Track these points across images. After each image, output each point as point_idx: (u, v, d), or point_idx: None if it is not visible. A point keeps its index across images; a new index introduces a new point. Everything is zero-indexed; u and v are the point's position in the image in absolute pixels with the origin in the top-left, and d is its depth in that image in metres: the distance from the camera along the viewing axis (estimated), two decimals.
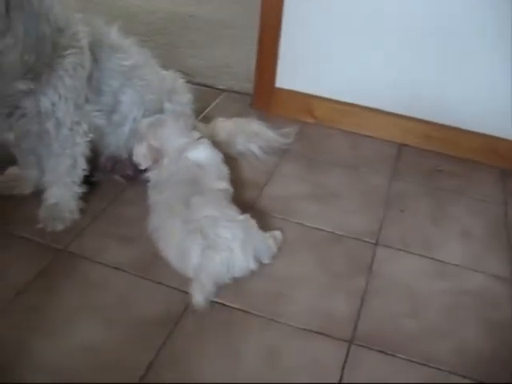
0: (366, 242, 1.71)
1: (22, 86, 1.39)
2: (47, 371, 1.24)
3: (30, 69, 1.35)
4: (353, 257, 1.65)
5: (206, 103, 2.28)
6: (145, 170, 1.70)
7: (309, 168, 2.01)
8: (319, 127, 2.27)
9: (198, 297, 1.39)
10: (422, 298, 1.53)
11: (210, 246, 1.44)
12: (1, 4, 1.24)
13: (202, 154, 1.69)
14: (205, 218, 1.48)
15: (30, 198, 1.74)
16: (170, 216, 1.53)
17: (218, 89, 2.50)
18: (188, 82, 2.04)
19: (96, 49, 1.57)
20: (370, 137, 2.24)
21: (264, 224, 1.70)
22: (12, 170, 1.77)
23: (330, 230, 1.74)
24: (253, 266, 1.51)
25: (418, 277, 1.60)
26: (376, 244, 1.70)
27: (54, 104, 1.46)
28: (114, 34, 1.67)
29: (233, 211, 1.56)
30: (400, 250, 1.69)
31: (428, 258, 1.67)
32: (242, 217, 1.54)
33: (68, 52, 1.45)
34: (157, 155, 1.67)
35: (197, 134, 1.73)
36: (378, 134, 2.24)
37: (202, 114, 2.13)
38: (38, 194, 1.73)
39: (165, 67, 1.93)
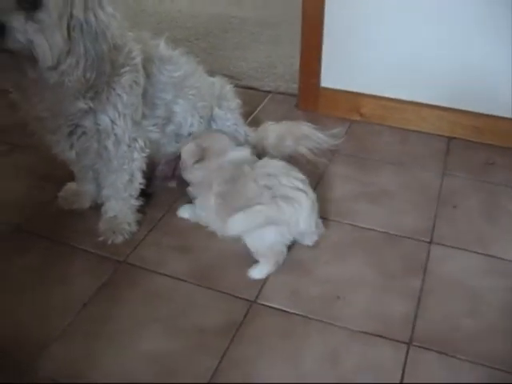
0: (419, 240, 1.71)
1: (82, 104, 1.45)
2: (114, 379, 1.30)
3: (90, 87, 1.40)
4: (407, 256, 1.65)
5: (253, 106, 2.30)
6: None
7: (359, 167, 2.02)
8: (366, 124, 2.27)
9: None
10: (479, 297, 1.52)
11: (283, 195, 1.53)
12: (63, 28, 1.29)
13: (242, 152, 1.74)
14: (277, 167, 1.62)
15: (89, 211, 1.81)
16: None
17: (263, 91, 2.52)
18: (234, 85, 2.06)
19: (147, 64, 1.60)
20: (418, 132, 2.22)
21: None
22: (71, 186, 1.84)
23: (383, 230, 1.74)
24: (314, 230, 1.58)
25: (475, 275, 1.59)
26: (430, 242, 1.70)
27: (113, 121, 1.51)
28: (162, 47, 1.70)
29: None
30: (455, 247, 1.68)
31: (484, 254, 1.66)
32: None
33: (124, 70, 1.49)
34: (202, 154, 1.70)
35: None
36: (426, 129, 2.22)
37: (250, 117, 2.15)
38: (95, 207, 1.80)
39: (210, 72, 1.95)
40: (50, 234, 1.72)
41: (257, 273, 1.55)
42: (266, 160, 1.70)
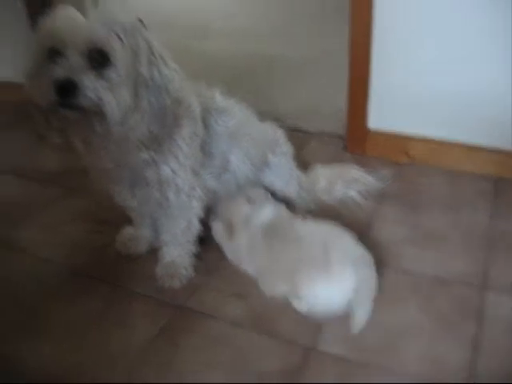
0: (472, 285, 1.70)
1: (145, 156, 1.51)
2: None
3: (153, 140, 1.46)
4: (460, 301, 1.64)
5: (300, 148, 2.33)
6: None
7: (408, 210, 2.03)
8: (414, 166, 2.28)
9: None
10: None
11: (361, 261, 1.57)
12: (130, 84, 1.35)
13: (266, 212, 1.76)
14: (337, 233, 1.65)
15: (145, 256, 1.86)
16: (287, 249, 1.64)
17: (309, 132, 2.56)
18: (280, 126, 2.11)
19: (205, 115, 1.66)
20: (466, 173, 2.22)
21: None
22: (128, 230, 1.89)
23: (434, 274, 1.74)
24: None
25: None
26: (483, 287, 1.69)
27: (174, 172, 1.56)
28: (218, 97, 1.75)
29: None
30: (509, 292, 1.68)
31: None
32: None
33: (184, 122, 1.55)
34: (231, 230, 1.75)
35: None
36: (474, 169, 2.22)
37: (297, 159, 2.18)
38: (152, 251, 1.85)
39: (256, 112, 2.00)
40: (108, 278, 1.78)
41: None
42: (311, 225, 1.71)
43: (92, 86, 1.31)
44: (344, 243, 1.60)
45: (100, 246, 1.93)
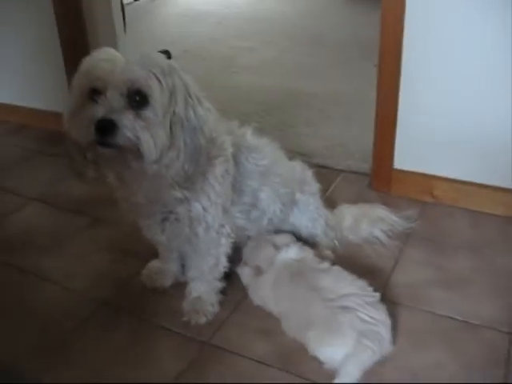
0: (499, 330, 1.69)
1: (178, 193, 1.53)
2: None
3: (187, 178, 1.48)
4: (488, 348, 1.63)
5: (326, 185, 2.34)
6: None
7: (433, 251, 2.03)
8: (440, 206, 2.29)
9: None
10: None
11: (368, 332, 1.51)
12: (167, 124, 1.39)
13: (291, 251, 1.78)
14: (349, 297, 1.58)
15: (171, 290, 1.88)
16: (307, 303, 1.62)
17: (335, 169, 2.58)
18: (306, 163, 2.13)
19: (236, 153, 1.68)
20: (492, 215, 2.22)
21: (393, 313, 1.74)
22: (154, 264, 1.91)
23: (461, 318, 1.73)
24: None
25: None
26: (511, 333, 1.69)
27: (205, 209, 1.58)
28: (249, 136, 1.77)
29: (363, 283, 1.65)
30: None
31: None
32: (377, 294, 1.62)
33: (217, 161, 1.57)
34: (257, 272, 1.78)
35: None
36: (500, 212, 2.21)
37: (323, 197, 2.20)
38: (177, 285, 1.87)
39: (284, 149, 2.01)
40: (134, 311, 1.79)
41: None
42: (331, 277, 1.68)
43: (130, 126, 1.34)
44: (360, 310, 1.55)
45: (126, 277, 1.95)
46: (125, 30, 3.44)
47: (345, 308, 1.55)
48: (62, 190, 2.52)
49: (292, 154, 2.56)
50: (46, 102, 3.10)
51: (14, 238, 2.21)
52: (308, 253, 1.80)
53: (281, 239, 1.82)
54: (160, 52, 1.52)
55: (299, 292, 1.66)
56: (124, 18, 3.39)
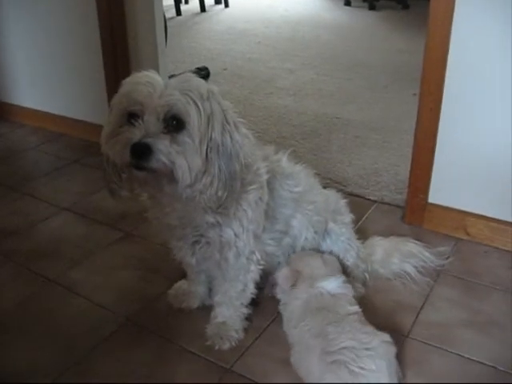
0: None
1: (210, 218, 1.53)
2: None
3: (220, 204, 1.47)
4: None
5: (358, 214, 2.31)
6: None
7: (465, 291, 1.98)
8: (473, 244, 2.24)
9: None
10: None
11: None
12: (203, 150, 1.38)
13: (333, 284, 1.72)
14: (343, 350, 1.48)
15: (196, 312, 1.87)
16: (307, 351, 1.56)
17: (368, 199, 2.55)
18: (339, 191, 2.11)
19: (271, 180, 1.67)
20: None
21: (420, 353, 1.71)
22: (181, 284, 1.91)
23: (491, 364, 1.68)
24: None
25: None
26: None
27: (236, 235, 1.57)
28: (284, 163, 1.76)
29: (369, 334, 1.53)
30: None
31: None
32: (380, 340, 1.51)
33: (252, 187, 1.56)
34: (296, 278, 1.73)
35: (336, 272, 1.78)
36: None
37: (355, 226, 2.17)
38: (203, 308, 1.86)
39: (318, 175, 1.99)
40: (158, 331, 1.79)
41: None
42: (337, 329, 1.56)
43: (166, 151, 1.34)
44: (352, 363, 1.45)
45: (152, 295, 1.95)
46: (166, 44, 3.48)
47: (335, 362, 1.46)
48: (95, 201, 2.54)
49: (326, 180, 2.57)
50: (83, 112, 3.15)
51: (43, 247, 2.23)
52: (347, 291, 1.73)
53: (330, 261, 1.80)
54: (199, 68, 1.53)
55: (308, 332, 1.59)
56: (166, 33, 3.42)
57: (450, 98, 2.15)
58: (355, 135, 3.20)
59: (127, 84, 1.43)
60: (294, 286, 1.72)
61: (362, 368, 1.44)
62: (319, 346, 1.52)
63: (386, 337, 1.53)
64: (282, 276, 1.76)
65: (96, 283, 2.02)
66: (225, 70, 4.39)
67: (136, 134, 1.34)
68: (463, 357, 1.71)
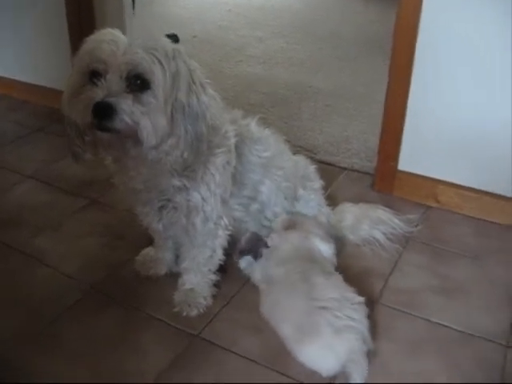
0: (496, 343, 1.65)
1: (176, 181, 1.49)
2: None
3: (186, 166, 1.44)
4: (483, 359, 1.59)
5: (328, 182, 2.29)
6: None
7: (434, 257, 1.99)
8: (443, 212, 2.24)
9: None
10: None
11: (345, 327, 1.48)
12: (167, 110, 1.34)
13: (326, 247, 1.77)
14: (331, 299, 1.54)
15: (163, 279, 1.84)
16: (292, 292, 1.59)
17: (338, 167, 2.53)
18: (309, 158, 2.09)
19: (239, 144, 1.64)
20: (496, 223, 2.18)
21: (389, 319, 1.72)
22: (149, 251, 1.87)
23: (458, 328, 1.69)
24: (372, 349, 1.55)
25: None
26: (507, 346, 1.64)
27: (204, 199, 1.54)
28: (253, 127, 1.73)
29: (352, 294, 1.60)
30: None
31: None
32: (360, 299, 1.59)
33: (219, 150, 1.53)
34: (291, 225, 1.76)
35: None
36: (504, 221, 2.17)
37: (325, 193, 2.16)
38: (170, 275, 1.83)
39: (288, 143, 1.97)
40: (125, 298, 1.75)
41: None
42: (326, 281, 1.63)
43: (129, 111, 1.30)
44: (337, 310, 1.52)
45: (118, 263, 1.91)
46: (134, 11, 3.39)
47: (322, 308, 1.52)
48: (60, 169, 2.47)
49: (296, 148, 2.54)
50: (49, 78, 3.06)
51: (7, 216, 2.17)
52: (333, 260, 1.79)
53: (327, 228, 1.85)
54: (168, 36, 1.48)
55: (297, 274, 1.62)
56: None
57: (420, 66, 2.13)
58: (326, 103, 3.17)
59: (90, 41, 1.37)
60: (287, 230, 1.75)
61: (346, 315, 1.50)
62: (306, 291, 1.56)
63: (362, 299, 1.59)
64: (281, 220, 1.79)
65: (61, 251, 1.97)
66: (194, 37, 4.30)
67: (98, 93, 1.29)
68: (431, 321, 1.72)
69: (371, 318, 1.62)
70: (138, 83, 1.32)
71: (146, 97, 1.32)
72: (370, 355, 1.53)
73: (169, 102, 1.34)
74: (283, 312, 1.57)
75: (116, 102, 1.28)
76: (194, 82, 1.39)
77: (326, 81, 3.52)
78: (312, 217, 1.87)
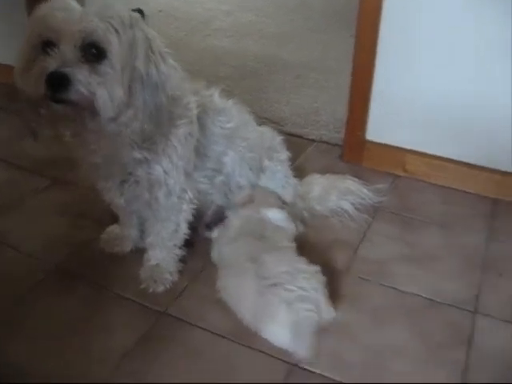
0: (464, 310, 1.66)
1: (137, 154, 1.45)
2: None
3: (146, 138, 1.40)
4: (451, 326, 1.60)
5: (296, 154, 2.27)
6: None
7: (402, 226, 1.99)
8: (411, 181, 2.24)
9: (303, 352, 1.43)
10: None
11: (297, 298, 1.46)
12: (125, 80, 1.29)
13: (277, 215, 1.75)
14: (282, 274, 1.52)
15: (129, 256, 1.81)
16: (241, 273, 1.57)
17: (306, 138, 2.51)
18: (278, 130, 2.06)
19: (202, 115, 1.60)
20: (463, 191, 2.18)
21: (358, 288, 1.71)
22: (113, 229, 1.83)
23: (426, 296, 1.70)
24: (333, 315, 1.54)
25: None
26: (475, 312, 1.65)
27: (166, 172, 1.50)
28: (216, 98, 1.70)
29: (305, 264, 1.59)
30: (501, 319, 1.63)
31: None
32: (315, 268, 1.58)
33: (181, 122, 1.49)
34: (247, 201, 1.74)
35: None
36: (472, 189, 2.18)
37: (293, 165, 2.13)
38: (136, 252, 1.80)
39: (253, 114, 1.93)
40: (90, 277, 1.72)
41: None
42: (276, 255, 1.61)
43: (85, 81, 1.25)
44: (287, 283, 1.50)
45: (82, 241, 1.86)
46: None
47: (274, 285, 1.49)
48: (22, 148, 2.39)
49: (263, 120, 2.51)
50: (9, 56, 2.96)
51: None
52: (288, 226, 1.76)
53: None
54: (132, 10, 1.44)
55: (243, 255, 1.60)
56: None
57: (386, 35, 2.12)
58: (295, 75, 3.14)
59: (41, 9, 1.31)
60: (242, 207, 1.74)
61: (298, 286, 1.48)
62: (256, 271, 1.53)
63: (317, 268, 1.58)
64: (241, 196, 1.79)
65: (23, 231, 1.92)
66: (160, 11, 4.21)
67: (51, 63, 1.24)
68: (399, 290, 1.72)
69: (339, 288, 1.62)
70: (93, 53, 1.27)
71: (103, 67, 1.27)
72: (327, 324, 1.52)
73: (126, 72, 1.30)
74: (237, 295, 1.55)
75: (71, 72, 1.23)
76: (153, 51, 1.34)
77: (297, 53, 3.48)
78: (270, 190, 1.84)
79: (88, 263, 1.78)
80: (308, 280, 1.52)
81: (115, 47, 1.27)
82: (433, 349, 1.53)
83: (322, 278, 1.56)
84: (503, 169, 2.14)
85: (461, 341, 1.56)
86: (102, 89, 1.26)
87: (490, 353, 1.53)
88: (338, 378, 1.43)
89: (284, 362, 1.46)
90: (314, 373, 1.44)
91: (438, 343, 1.55)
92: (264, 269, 1.53)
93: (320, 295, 1.51)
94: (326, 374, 1.44)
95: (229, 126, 1.69)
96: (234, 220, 1.72)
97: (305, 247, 1.75)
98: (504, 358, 1.51)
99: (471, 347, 1.54)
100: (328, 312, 1.52)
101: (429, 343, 1.54)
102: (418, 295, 1.70)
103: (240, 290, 1.55)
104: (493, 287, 1.75)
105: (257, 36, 3.77)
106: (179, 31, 3.80)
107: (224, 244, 1.68)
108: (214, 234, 1.75)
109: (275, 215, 1.74)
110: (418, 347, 1.53)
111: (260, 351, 1.48)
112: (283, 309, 1.45)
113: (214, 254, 1.73)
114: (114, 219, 1.84)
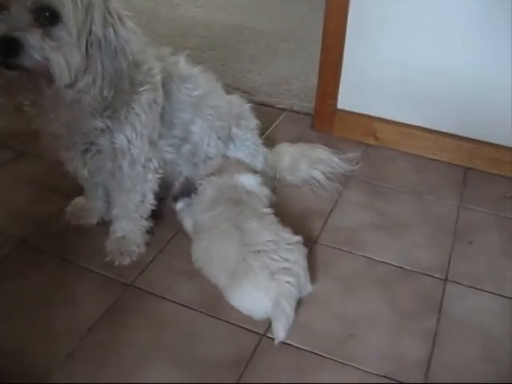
0: (435, 277, 1.66)
1: (99, 123, 1.41)
2: None
3: (107, 106, 1.35)
4: (422, 294, 1.60)
5: (267, 123, 2.24)
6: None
7: (373, 195, 1.97)
8: (382, 149, 2.22)
9: (281, 328, 1.41)
10: (496, 341, 1.47)
11: (280, 270, 1.45)
12: (81, 44, 1.24)
13: (251, 181, 1.72)
14: (267, 242, 1.51)
15: (96, 228, 1.77)
16: (225, 239, 1.54)
17: (277, 108, 2.47)
18: (247, 100, 2.02)
19: (167, 82, 1.55)
20: (435, 160, 2.17)
21: (329, 257, 1.70)
22: (79, 201, 1.79)
23: (398, 264, 1.69)
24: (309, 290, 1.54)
25: (491, 317, 1.54)
26: (445, 280, 1.65)
27: (129, 141, 1.46)
28: (182, 64, 1.65)
29: (288, 234, 1.58)
30: (471, 287, 1.63)
31: (501, 296, 1.61)
32: (297, 239, 1.57)
33: (144, 88, 1.44)
34: (217, 169, 1.72)
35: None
36: (443, 157, 2.17)
37: (264, 135, 2.10)
38: (102, 224, 1.76)
39: (224, 84, 1.89)
40: (55, 251, 1.67)
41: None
42: (259, 224, 1.58)
43: (38, 46, 1.19)
44: (272, 253, 1.49)
45: (47, 215, 1.82)
46: None
47: (258, 252, 1.48)
48: None
49: (234, 90, 2.46)
50: None
51: None
52: (262, 192, 1.73)
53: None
54: None
55: (226, 222, 1.57)
56: None
57: (357, 2, 2.07)
58: (266, 45, 3.09)
59: None
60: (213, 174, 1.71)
61: (282, 258, 1.47)
62: (240, 238, 1.52)
63: (300, 238, 1.57)
64: (210, 165, 1.75)
65: None
66: None
67: (1, 27, 1.18)
68: (371, 258, 1.71)
69: (310, 258, 1.60)
70: (46, 16, 1.20)
71: (57, 31, 1.21)
72: (306, 297, 1.52)
73: (82, 36, 1.24)
74: (216, 260, 1.53)
75: (22, 37, 1.17)
76: (110, 14, 1.29)
77: (267, 23, 3.42)
78: (241, 159, 1.81)
79: (54, 237, 1.73)
80: (291, 252, 1.51)
81: (70, 10, 1.21)
82: (404, 317, 1.53)
83: (303, 250, 1.55)
84: (475, 137, 2.13)
85: (432, 308, 1.56)
86: (57, 54, 1.21)
87: (460, 319, 1.53)
88: (308, 349, 1.42)
89: (252, 332, 1.44)
90: (284, 343, 1.42)
91: (409, 311, 1.54)
92: (248, 236, 1.52)
93: (301, 269, 1.50)
94: (296, 344, 1.42)
95: (196, 93, 1.64)
96: (208, 188, 1.68)
97: (276, 217, 1.72)
98: (473, 325, 1.51)
99: (441, 314, 1.54)
100: (306, 287, 1.52)
101: (400, 311, 1.54)
102: (390, 263, 1.70)
103: (220, 255, 1.52)
104: (463, 255, 1.75)
105: (227, 5, 3.70)
106: (147, 1, 3.70)
107: (200, 212, 1.65)
108: (179, 205, 1.71)
109: (249, 180, 1.72)
110: (390, 316, 1.53)
111: (228, 322, 1.47)
112: (265, 275, 1.44)
113: (188, 224, 1.70)
114: (81, 192, 1.79)
